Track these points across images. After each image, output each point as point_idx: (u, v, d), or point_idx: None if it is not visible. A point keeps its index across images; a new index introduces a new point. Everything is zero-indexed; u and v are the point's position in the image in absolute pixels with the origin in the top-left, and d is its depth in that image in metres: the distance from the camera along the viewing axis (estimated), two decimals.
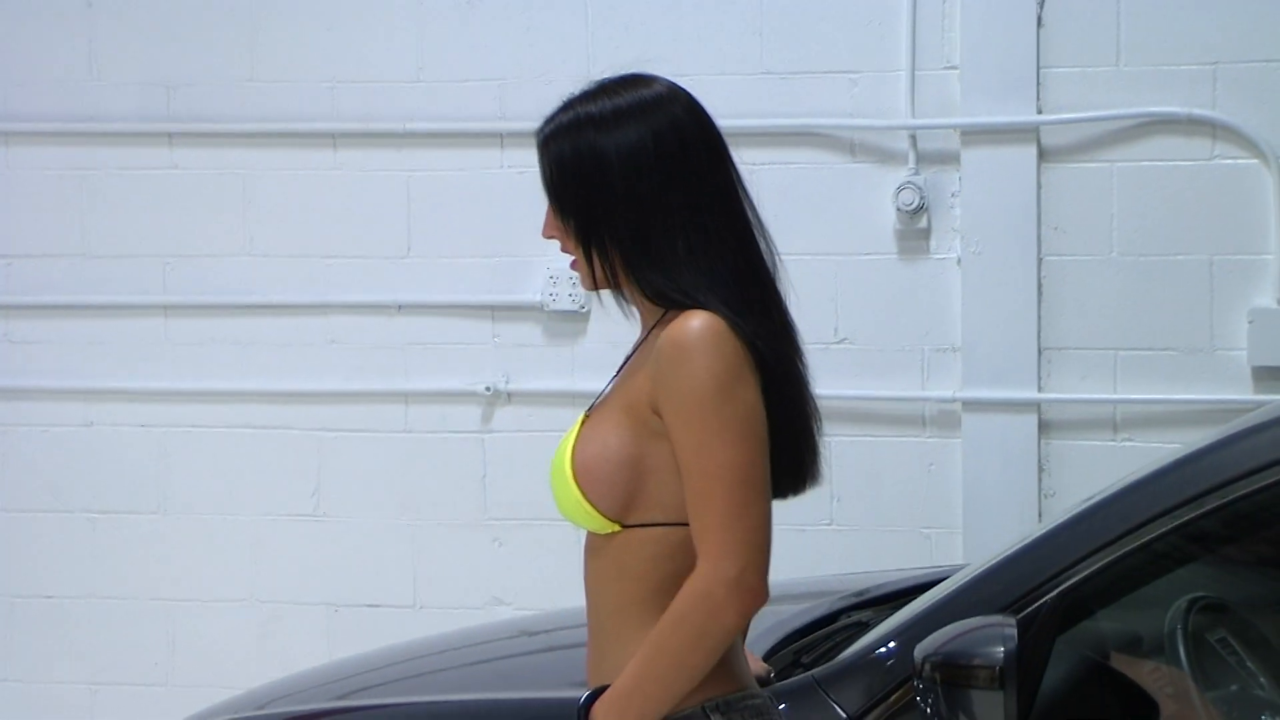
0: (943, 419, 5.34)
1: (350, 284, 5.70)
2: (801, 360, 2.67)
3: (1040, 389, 5.25)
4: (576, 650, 3.86)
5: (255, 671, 5.50)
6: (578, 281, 5.40)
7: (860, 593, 3.79)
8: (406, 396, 5.69)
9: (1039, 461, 5.25)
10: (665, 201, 2.58)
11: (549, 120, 2.70)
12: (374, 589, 5.73)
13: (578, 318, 5.56)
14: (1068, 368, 5.25)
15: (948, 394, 5.32)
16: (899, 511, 5.38)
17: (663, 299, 2.57)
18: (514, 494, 5.63)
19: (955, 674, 2.60)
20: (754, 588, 2.45)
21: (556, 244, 2.73)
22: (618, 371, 2.71)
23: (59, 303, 5.84)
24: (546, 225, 2.70)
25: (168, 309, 5.81)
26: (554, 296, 5.55)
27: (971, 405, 5.29)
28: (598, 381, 5.28)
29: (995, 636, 2.60)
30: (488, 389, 5.61)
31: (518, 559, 5.64)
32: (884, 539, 5.37)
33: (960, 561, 5.01)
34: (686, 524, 2.53)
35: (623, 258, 2.61)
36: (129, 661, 5.86)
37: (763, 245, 2.66)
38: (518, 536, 5.63)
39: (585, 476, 2.57)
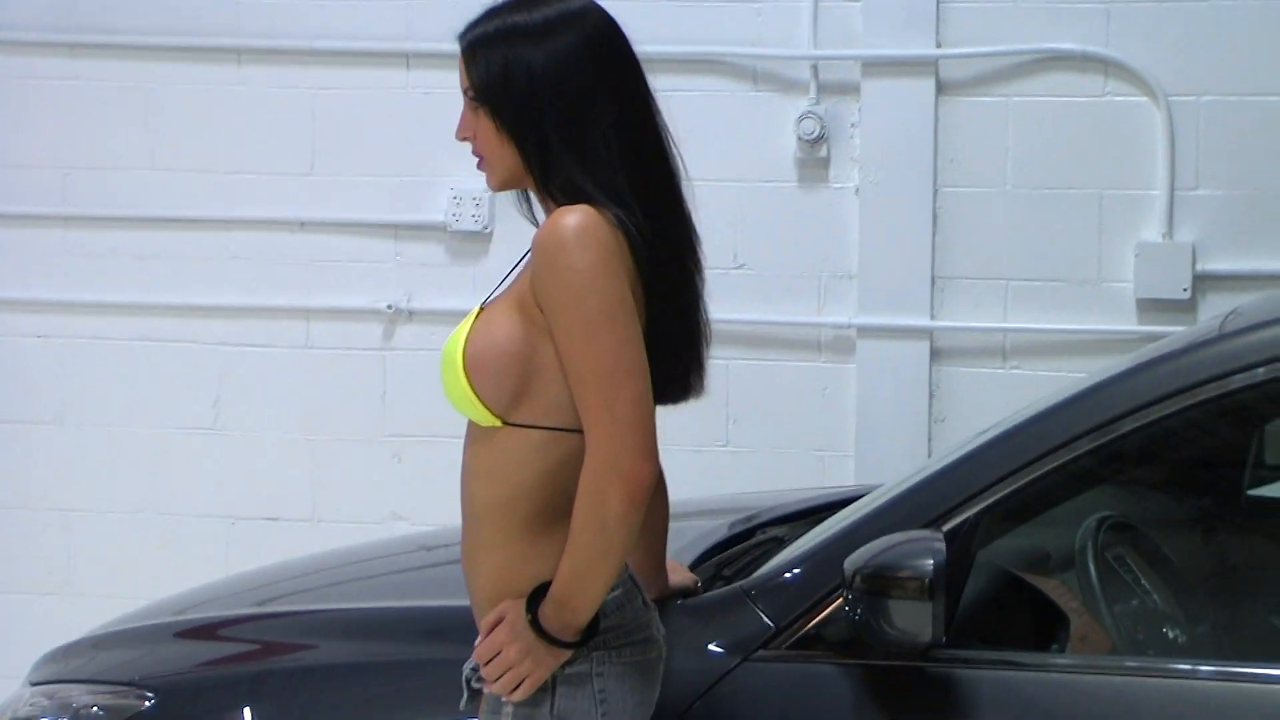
0: (838, 344, 5.42)
1: (253, 200, 5.68)
2: (700, 274, 2.73)
3: (933, 317, 5.34)
4: None
5: (153, 582, 5.50)
6: (482, 202, 5.49)
7: (769, 510, 3.86)
8: (308, 313, 5.69)
9: (930, 387, 5.35)
10: (590, 110, 2.63)
11: (474, 26, 2.72)
12: (273, 503, 5.74)
13: (480, 238, 5.58)
14: (960, 297, 5.35)
15: (843, 320, 5.40)
16: (793, 434, 5.45)
17: (579, 196, 2.60)
18: (414, 411, 5.65)
19: (885, 585, 2.67)
20: (631, 471, 2.50)
21: (467, 160, 2.77)
22: (513, 266, 2.75)
23: None
24: (462, 126, 2.72)
25: (67, 220, 5.77)
26: (457, 217, 5.57)
27: (866, 331, 5.38)
28: None
29: (924, 550, 2.66)
30: (389, 307, 5.62)
31: (416, 475, 5.67)
32: (778, 460, 5.44)
33: (854, 483, 5.12)
34: (568, 430, 2.59)
35: (542, 162, 2.64)
36: (26, 570, 5.84)
37: (673, 158, 2.72)
38: (417, 453, 5.66)
39: (475, 368, 2.60)
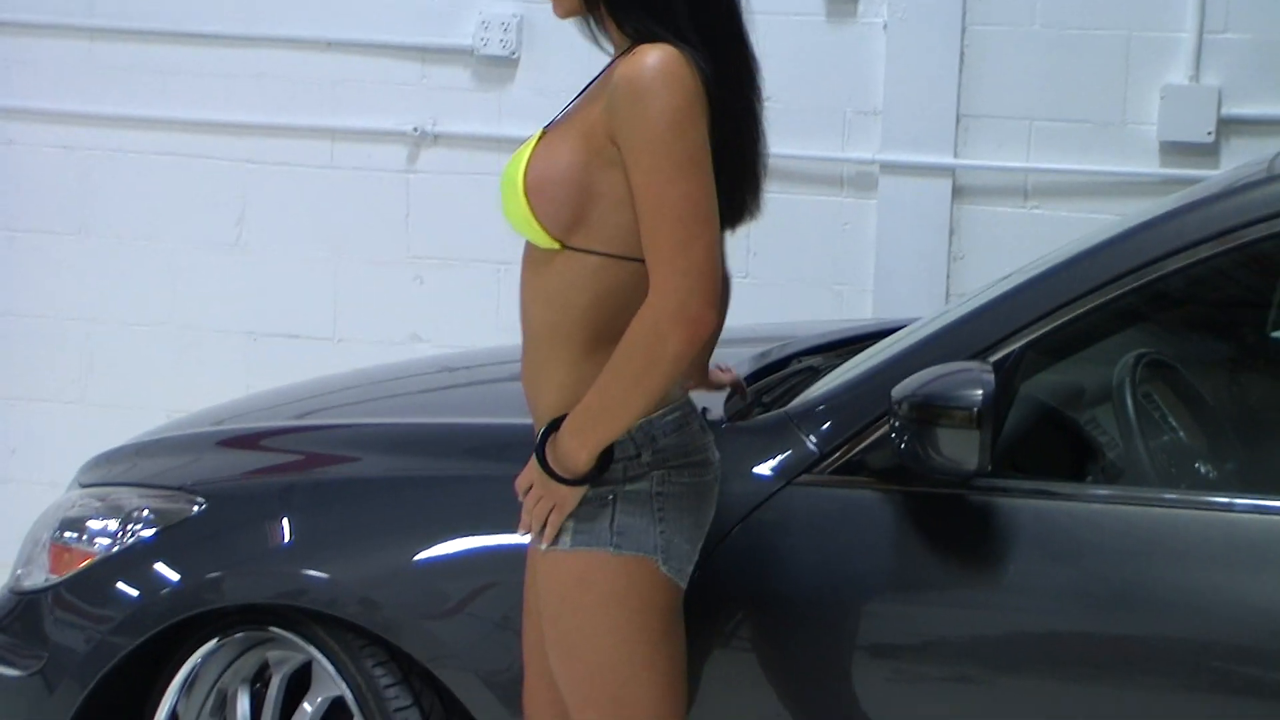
0: (860, 180, 5.45)
1: (281, 17, 5.67)
2: (760, 103, 2.74)
3: (956, 155, 5.37)
4: (499, 385, 4.01)
5: (172, 395, 5.60)
6: (510, 26, 5.47)
7: (802, 340, 3.90)
8: (333, 133, 5.70)
9: (950, 225, 5.38)
10: None
11: None
12: (294, 320, 5.79)
13: (507, 64, 5.57)
14: (983, 135, 5.37)
15: (866, 156, 5.42)
16: (813, 268, 5.50)
17: (643, 33, 2.60)
18: (437, 234, 5.69)
19: (933, 414, 2.70)
20: (697, 316, 2.53)
21: None
22: (578, 95, 2.75)
23: None
24: None
25: (93, 32, 5.75)
26: (485, 41, 5.56)
27: (889, 168, 5.40)
28: (525, 127, 5.30)
29: (974, 380, 2.69)
30: (415, 130, 5.63)
31: (437, 298, 5.72)
32: (797, 294, 5.49)
33: (870, 317, 5.17)
34: (624, 258, 2.62)
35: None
36: (46, 379, 5.91)
37: None
38: (438, 276, 5.70)
39: (535, 191, 2.62)
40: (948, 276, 5.35)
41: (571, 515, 2.67)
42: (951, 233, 5.38)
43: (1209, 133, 5.16)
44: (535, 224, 2.64)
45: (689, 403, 2.76)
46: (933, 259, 5.38)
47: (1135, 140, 5.26)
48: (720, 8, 2.67)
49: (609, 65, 2.69)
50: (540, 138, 2.70)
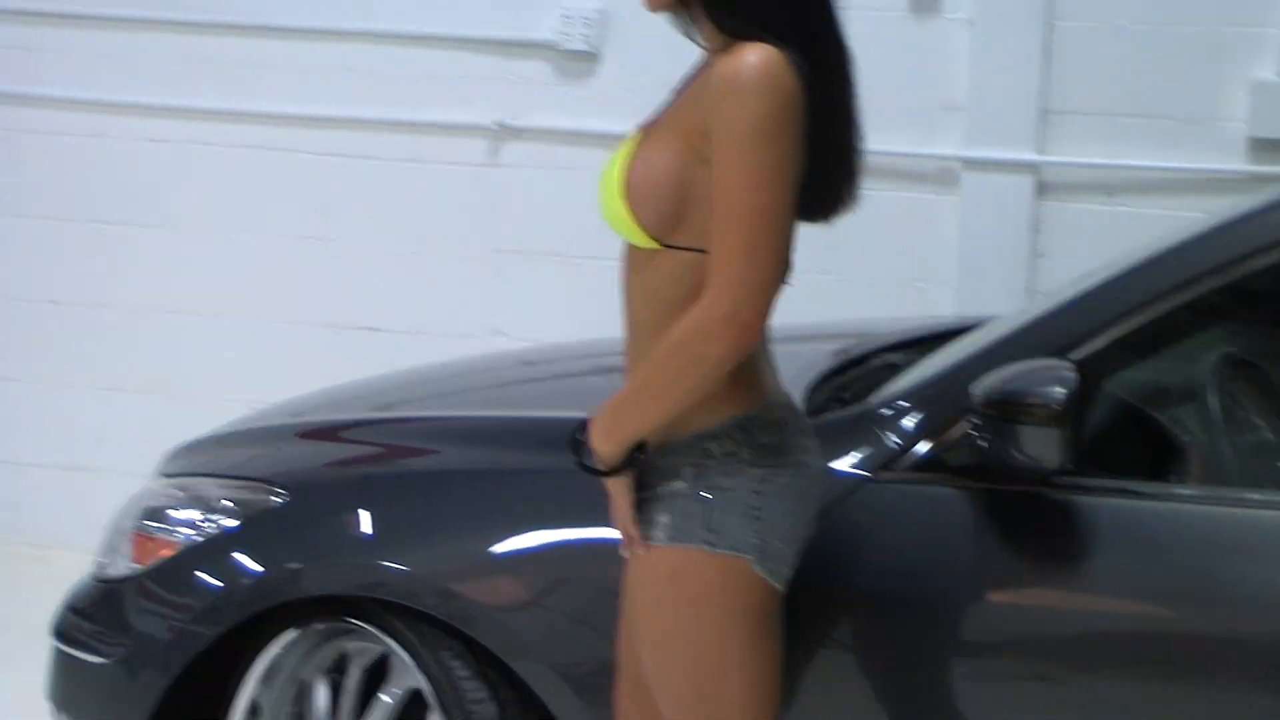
0: (942, 176, 5.42)
1: (365, 12, 5.70)
2: (855, 100, 2.71)
3: (1040, 151, 5.33)
4: (579, 378, 4.02)
5: (256, 385, 5.64)
6: (592, 21, 5.48)
7: (881, 336, 3.90)
8: (415, 127, 5.72)
9: (1033, 222, 5.34)
10: None
11: None
12: (375, 313, 5.82)
13: (588, 58, 5.58)
14: (1068, 131, 5.32)
15: (949, 152, 5.39)
16: (894, 264, 5.47)
17: (738, 29, 2.57)
18: (518, 229, 5.70)
19: (1014, 411, 2.69)
20: (747, 323, 2.51)
21: None
22: (675, 93, 2.73)
23: (73, 11, 5.83)
24: None
25: (182, 26, 5.80)
26: (566, 36, 5.57)
27: (971, 164, 5.37)
28: (606, 122, 5.39)
29: (1056, 378, 2.68)
30: (496, 124, 5.64)
31: (518, 292, 5.73)
32: (878, 290, 5.46)
33: (952, 314, 5.14)
34: None
35: None
36: (134, 370, 5.96)
37: None
38: (519, 270, 5.71)
39: (633, 192, 2.61)
40: (1030, 273, 5.31)
41: (666, 510, 2.65)
42: (1034, 229, 5.34)
43: None
44: (634, 225, 2.63)
45: (791, 403, 2.75)
46: (1015, 256, 5.34)
47: (1223, 136, 5.20)
48: (816, 5, 2.64)
49: (705, 63, 2.67)
50: (638, 139, 2.69)
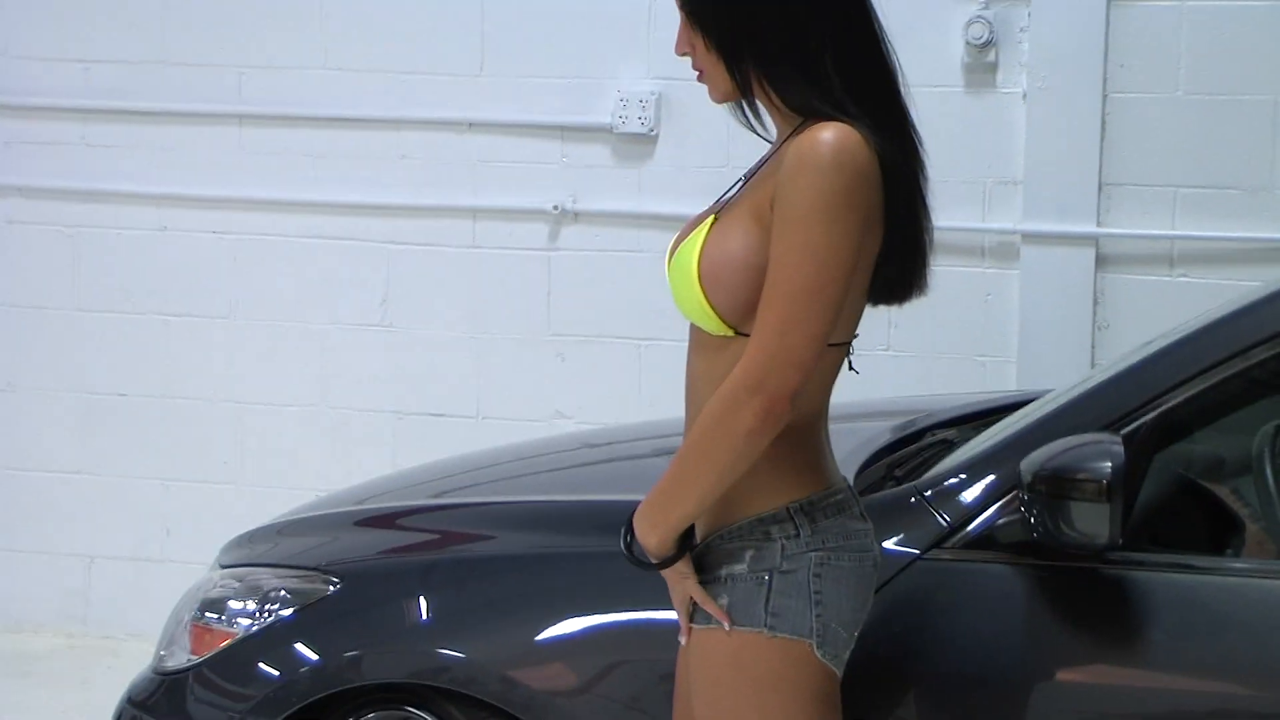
0: (1002, 250, 5.43)
1: (423, 100, 5.75)
2: (924, 176, 2.69)
3: (1099, 223, 5.32)
4: (639, 460, 4.01)
5: (322, 474, 5.68)
6: (648, 104, 5.51)
7: (936, 413, 3.88)
8: (475, 212, 5.77)
9: (1094, 294, 5.33)
10: (815, 19, 2.58)
11: None
12: (439, 399, 5.85)
13: (646, 140, 5.61)
14: (1127, 203, 5.32)
15: (1008, 226, 5.40)
16: (955, 339, 5.48)
17: (807, 110, 2.57)
18: (578, 311, 5.72)
19: (1062, 486, 2.68)
20: (775, 396, 2.48)
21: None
22: (748, 175, 2.72)
23: (135, 109, 5.90)
24: (680, 42, 2.68)
25: (242, 118, 5.87)
26: (624, 119, 5.60)
27: (1031, 238, 5.37)
28: (664, 204, 5.40)
29: (1103, 452, 2.67)
30: (555, 208, 5.68)
31: (580, 375, 5.74)
32: (939, 365, 5.47)
33: (1015, 388, 5.12)
34: None
35: (768, 71, 2.61)
36: (200, 460, 6.00)
37: (894, 63, 2.66)
38: (580, 352, 5.73)
39: (709, 278, 2.59)
40: (1093, 346, 5.30)
41: (727, 593, 2.64)
42: (1096, 302, 5.33)
43: None
44: (710, 312, 2.60)
45: (850, 488, 2.74)
46: (1077, 329, 5.33)
47: None
48: (879, 82, 2.63)
49: (779, 144, 2.66)
50: (713, 222, 2.65)
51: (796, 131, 2.58)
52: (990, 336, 5.45)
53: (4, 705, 5.48)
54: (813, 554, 2.62)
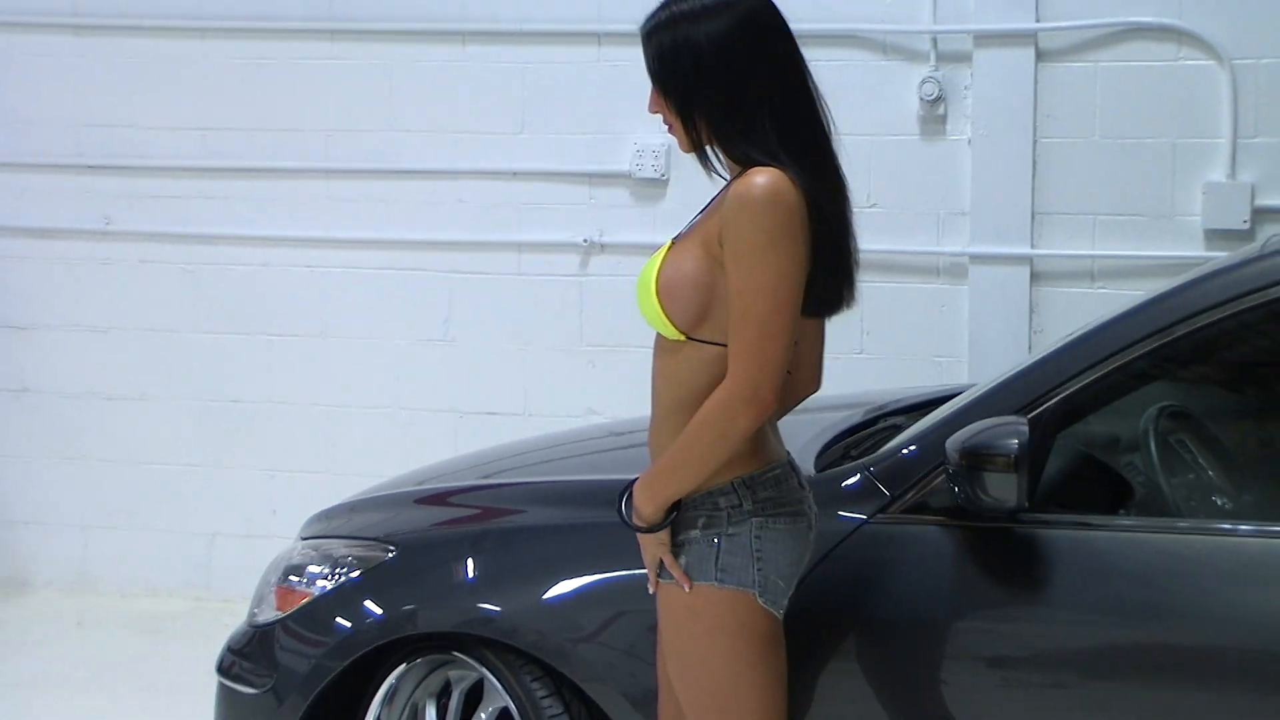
0: (953, 269, 5.41)
1: (475, 155, 5.77)
2: (849, 211, 2.68)
3: (1033, 246, 5.31)
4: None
5: (397, 463, 5.66)
6: (660, 154, 5.52)
7: (891, 403, 3.88)
8: (519, 246, 5.78)
9: (1030, 305, 5.33)
10: (749, 81, 2.58)
11: (650, 18, 2.68)
12: (492, 400, 5.85)
13: (659, 184, 5.63)
14: (1056, 229, 5.31)
15: (958, 249, 5.38)
16: (916, 343, 5.47)
17: (745, 160, 2.58)
18: (605, 326, 5.73)
19: (979, 461, 2.70)
20: (765, 401, 2.53)
21: (649, 119, 2.77)
22: (701, 211, 2.72)
23: (242, 166, 5.93)
24: (651, 103, 2.69)
25: (329, 173, 5.89)
26: (640, 166, 5.62)
27: (977, 259, 5.37)
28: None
29: (1011, 432, 2.68)
30: (585, 241, 5.70)
31: (607, 377, 5.75)
32: (903, 365, 5.46)
33: (966, 382, 5.11)
34: None
35: (713, 128, 2.61)
36: (298, 454, 6.02)
37: (824, 116, 2.66)
38: (607, 359, 5.74)
39: (665, 292, 2.61)
40: (1029, 349, 5.28)
41: (684, 554, 2.67)
42: (1032, 311, 5.32)
43: (1245, 221, 5.07)
44: (665, 320, 2.64)
45: (789, 461, 2.75)
46: (1016, 334, 5.33)
47: (1183, 229, 5.18)
48: (808, 131, 2.63)
49: (725, 187, 2.67)
50: (669, 248, 2.68)
51: (737, 177, 2.60)
52: (945, 341, 5.44)
53: (143, 655, 5.52)
54: (754, 520, 2.64)
